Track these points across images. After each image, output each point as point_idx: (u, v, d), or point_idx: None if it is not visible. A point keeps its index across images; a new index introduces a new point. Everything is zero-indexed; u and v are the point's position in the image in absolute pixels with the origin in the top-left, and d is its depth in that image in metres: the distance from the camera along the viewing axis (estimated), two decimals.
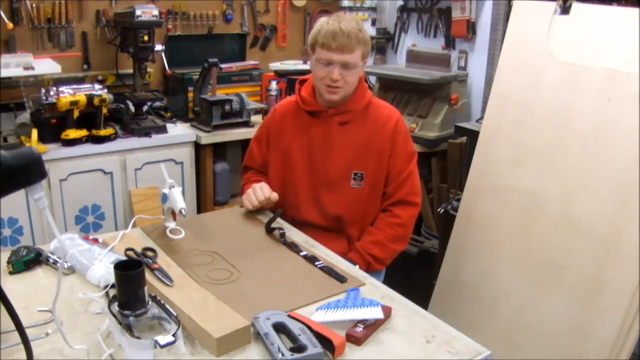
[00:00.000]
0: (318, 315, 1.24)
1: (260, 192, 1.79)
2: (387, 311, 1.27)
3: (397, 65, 3.53)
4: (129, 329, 1.08)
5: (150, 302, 1.16)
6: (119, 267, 1.13)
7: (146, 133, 2.80)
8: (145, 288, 1.14)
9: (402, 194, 1.82)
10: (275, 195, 1.80)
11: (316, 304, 1.32)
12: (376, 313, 1.25)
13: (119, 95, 2.94)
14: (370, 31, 3.83)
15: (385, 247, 1.80)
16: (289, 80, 3.25)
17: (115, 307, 1.12)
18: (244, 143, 3.08)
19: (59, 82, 2.84)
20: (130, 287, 1.12)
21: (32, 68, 2.59)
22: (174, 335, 1.06)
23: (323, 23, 1.72)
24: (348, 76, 1.72)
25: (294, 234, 1.72)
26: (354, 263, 1.66)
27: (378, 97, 3.22)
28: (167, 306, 1.17)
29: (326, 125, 1.82)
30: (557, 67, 1.89)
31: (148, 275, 1.27)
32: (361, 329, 1.20)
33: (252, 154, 1.99)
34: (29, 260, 1.45)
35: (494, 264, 2.02)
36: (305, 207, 1.85)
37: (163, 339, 1.05)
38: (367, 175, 1.81)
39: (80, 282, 1.40)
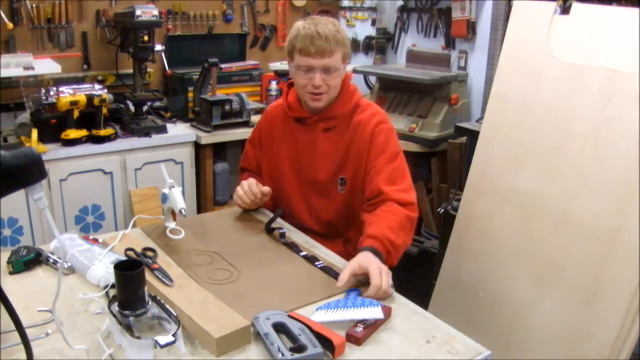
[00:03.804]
0: (318, 315, 1.25)
1: (247, 188, 1.77)
2: (387, 311, 1.28)
3: (397, 65, 3.53)
4: (128, 329, 1.08)
5: (150, 302, 1.16)
6: (119, 267, 1.13)
7: (146, 133, 2.80)
8: (145, 288, 1.14)
9: (387, 193, 1.64)
10: (266, 189, 1.77)
11: (316, 304, 1.32)
12: (376, 313, 1.25)
13: (119, 95, 2.94)
14: (370, 31, 3.83)
15: (397, 232, 1.56)
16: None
17: (115, 307, 1.12)
18: (244, 143, 3.08)
19: (59, 82, 2.84)
20: (130, 287, 1.12)
21: (32, 68, 2.59)
22: (174, 335, 1.06)
23: (299, 27, 1.67)
24: (330, 80, 1.68)
25: (294, 234, 1.72)
26: (378, 252, 1.47)
27: (378, 97, 3.24)
28: (167, 306, 1.17)
29: (311, 132, 1.79)
30: (557, 67, 1.89)
31: (148, 275, 1.27)
32: (361, 329, 1.20)
33: (247, 156, 1.98)
34: (29, 260, 1.45)
35: (494, 264, 2.02)
36: (299, 213, 1.84)
37: (163, 339, 1.05)
38: (348, 179, 1.76)
39: (80, 282, 1.40)
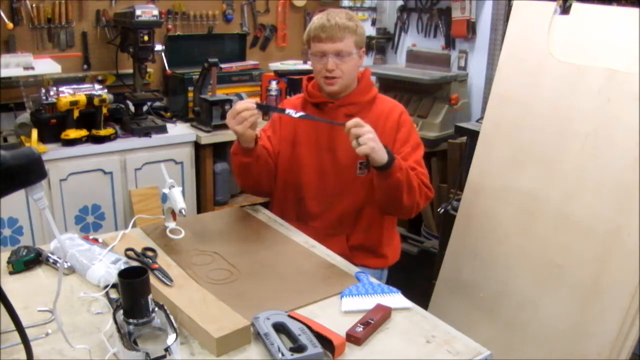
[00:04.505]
0: (346, 303, 1.31)
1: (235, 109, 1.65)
2: (387, 311, 1.28)
3: (397, 65, 3.53)
4: (124, 337, 1.07)
5: (156, 310, 1.14)
6: (123, 274, 1.11)
7: (146, 133, 2.80)
8: (150, 297, 1.12)
9: (418, 172, 1.78)
10: (252, 104, 1.64)
11: (316, 304, 1.32)
12: (401, 302, 1.33)
13: (119, 95, 2.93)
14: (370, 31, 3.83)
15: (414, 181, 1.70)
16: (289, 80, 3.25)
17: (121, 316, 1.11)
18: None
19: (59, 82, 2.83)
20: (133, 295, 1.10)
21: (32, 68, 2.59)
22: (166, 350, 1.04)
23: (314, 19, 1.79)
24: (343, 64, 1.74)
25: (294, 234, 1.72)
26: (390, 152, 1.62)
27: None
28: (171, 317, 1.14)
29: (333, 117, 1.82)
30: (557, 67, 1.89)
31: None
32: (361, 329, 1.20)
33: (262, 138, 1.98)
34: (29, 260, 1.45)
35: (494, 263, 2.02)
36: (309, 199, 1.85)
37: (155, 352, 1.03)
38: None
39: (80, 282, 1.40)
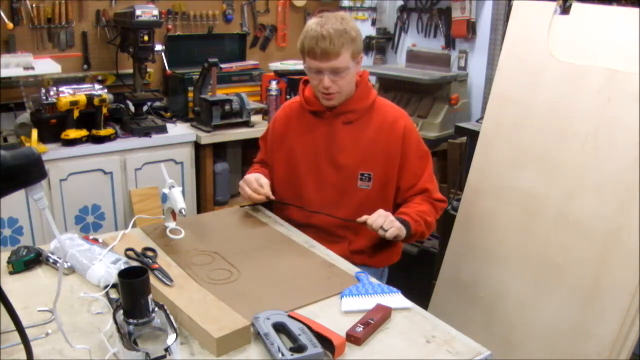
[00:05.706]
0: (346, 303, 1.31)
1: (253, 181, 1.81)
2: (387, 311, 1.28)
3: (397, 65, 3.53)
4: (124, 337, 1.07)
5: (156, 310, 1.14)
6: (123, 274, 1.11)
7: (146, 133, 2.80)
8: (150, 297, 1.12)
9: (431, 191, 1.81)
10: (267, 186, 1.82)
11: (316, 304, 1.32)
12: (401, 302, 1.33)
13: (119, 95, 2.94)
14: (370, 31, 3.83)
15: (430, 215, 1.78)
16: (289, 80, 3.25)
17: (121, 316, 1.11)
18: (244, 143, 3.08)
19: (59, 82, 2.84)
20: (132, 295, 1.10)
21: (32, 68, 2.59)
22: (166, 350, 1.04)
23: (308, 28, 1.69)
24: (340, 80, 1.70)
25: (294, 234, 1.72)
26: (405, 222, 1.69)
27: None
28: (171, 317, 1.14)
29: (330, 125, 1.80)
30: (557, 67, 1.89)
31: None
32: (361, 329, 1.20)
33: (260, 151, 2.02)
34: (29, 260, 1.45)
35: (494, 264, 2.02)
36: (310, 209, 1.84)
37: (155, 352, 1.03)
38: (375, 176, 1.78)
39: (80, 282, 1.40)
